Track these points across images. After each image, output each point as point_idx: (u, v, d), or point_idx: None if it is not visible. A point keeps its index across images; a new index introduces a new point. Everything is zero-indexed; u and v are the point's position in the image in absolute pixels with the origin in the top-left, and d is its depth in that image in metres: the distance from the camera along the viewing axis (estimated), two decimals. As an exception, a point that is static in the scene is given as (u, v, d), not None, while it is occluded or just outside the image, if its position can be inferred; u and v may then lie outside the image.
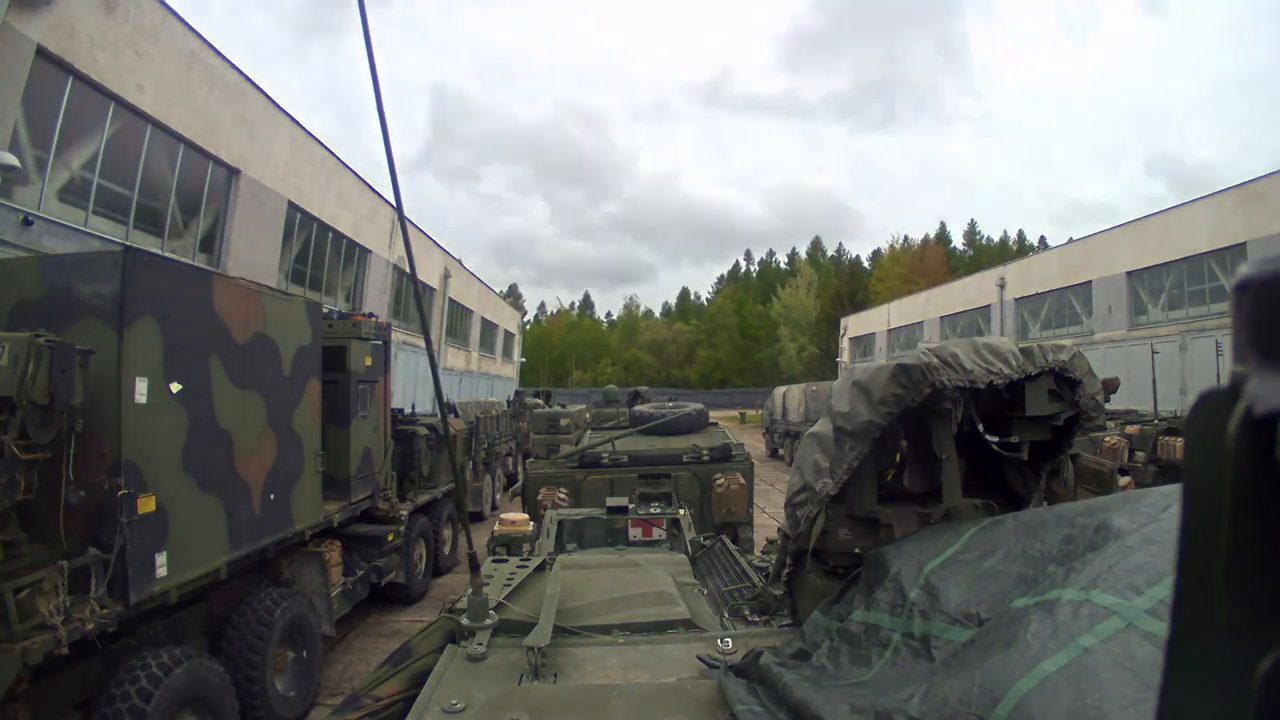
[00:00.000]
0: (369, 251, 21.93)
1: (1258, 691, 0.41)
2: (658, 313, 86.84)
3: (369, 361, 8.29)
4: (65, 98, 10.41)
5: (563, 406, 20.02)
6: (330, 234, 19.61)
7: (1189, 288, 22.22)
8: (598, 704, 2.10)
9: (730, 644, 2.49)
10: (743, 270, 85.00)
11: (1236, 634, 0.43)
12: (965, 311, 36.41)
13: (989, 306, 33.92)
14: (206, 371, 5.36)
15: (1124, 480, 8.42)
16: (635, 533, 5.31)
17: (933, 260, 66.08)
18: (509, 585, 3.00)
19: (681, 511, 5.69)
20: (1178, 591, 0.47)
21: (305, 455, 6.72)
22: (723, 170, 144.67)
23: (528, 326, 67.32)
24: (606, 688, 2.22)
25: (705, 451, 7.81)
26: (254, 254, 15.17)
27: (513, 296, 70.55)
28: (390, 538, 8.53)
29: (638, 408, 10.38)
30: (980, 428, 2.69)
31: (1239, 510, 0.43)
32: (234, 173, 14.72)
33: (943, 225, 76.60)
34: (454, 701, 2.05)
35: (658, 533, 5.28)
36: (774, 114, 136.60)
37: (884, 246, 76.19)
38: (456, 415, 13.10)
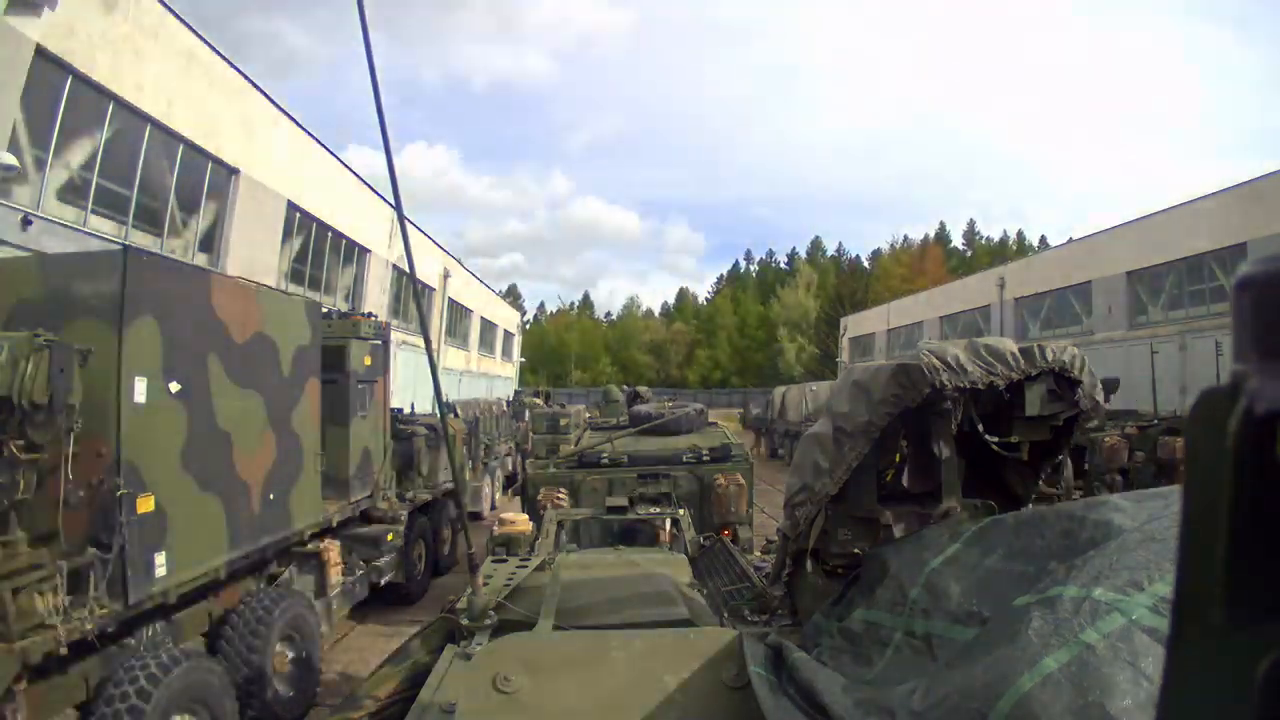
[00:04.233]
0: (368, 251, 21.92)
1: (1258, 691, 0.41)
2: (657, 312, 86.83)
3: (368, 361, 8.29)
4: (64, 97, 10.40)
5: (562, 406, 20.02)
6: (330, 233, 19.61)
7: (1189, 287, 22.22)
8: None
9: None
10: (742, 270, 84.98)
11: (1236, 633, 0.43)
12: (965, 311, 36.41)
13: (989, 306, 33.92)
14: (206, 371, 5.35)
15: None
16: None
17: (932, 260, 66.10)
18: (508, 585, 3.00)
19: (681, 511, 5.69)
20: (1178, 590, 0.47)
21: (304, 455, 6.71)
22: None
23: (527, 326, 67.33)
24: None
25: (705, 451, 7.80)
26: (253, 253, 15.16)
27: (512, 296, 70.55)
28: (389, 537, 8.52)
29: (637, 407, 10.39)
30: (980, 428, 2.69)
31: (1239, 508, 0.43)
32: (233, 172, 14.71)
33: (942, 225, 76.59)
34: (453, 701, 2.05)
35: (663, 534, 5.27)
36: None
37: (884, 246, 76.34)
38: (456, 415, 13.10)
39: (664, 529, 5.33)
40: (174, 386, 4.98)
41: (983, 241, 73.43)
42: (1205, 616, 0.44)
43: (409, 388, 15.13)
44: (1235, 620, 0.43)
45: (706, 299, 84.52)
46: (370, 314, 9.68)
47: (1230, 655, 0.43)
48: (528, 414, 19.55)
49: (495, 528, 4.46)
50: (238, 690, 5.32)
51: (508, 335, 45.64)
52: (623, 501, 5.69)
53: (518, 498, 8.64)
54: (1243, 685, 0.41)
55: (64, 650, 4.06)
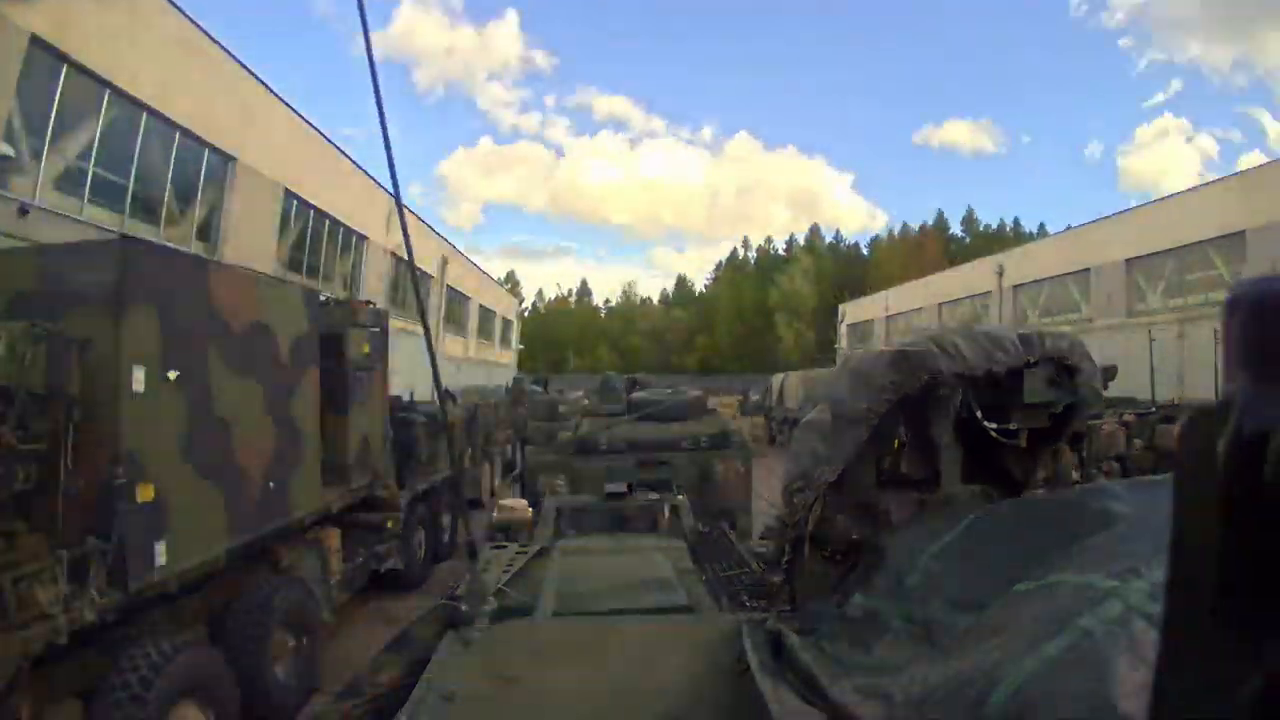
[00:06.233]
0: (366, 238, 21.85)
1: (1247, 706, 0.41)
2: (655, 299, 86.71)
3: (367, 349, 8.28)
4: (60, 86, 10.33)
5: (560, 393, 20.02)
6: (327, 221, 19.54)
7: (1188, 275, 22.21)
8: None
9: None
10: (740, 256, 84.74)
11: (1227, 649, 0.43)
12: (964, 299, 36.38)
13: (988, 293, 33.90)
14: (204, 360, 5.35)
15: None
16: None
17: (930, 247, 65.93)
18: (508, 571, 3.02)
19: (680, 498, 5.70)
20: (1169, 604, 0.47)
21: (304, 442, 6.71)
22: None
23: (525, 314, 67.28)
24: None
25: (704, 438, 7.82)
26: (251, 241, 15.12)
27: (510, 283, 70.42)
28: (389, 524, 8.54)
29: (635, 394, 10.39)
30: (978, 414, 2.69)
31: (1229, 526, 0.43)
32: (230, 160, 14.64)
33: (940, 213, 76.25)
34: (453, 688, 2.06)
35: (663, 521, 5.29)
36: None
37: (882, 233, 76.18)
38: (455, 402, 13.10)
39: (663, 515, 5.34)
40: (173, 375, 4.97)
41: (980, 229, 73.19)
42: (1196, 629, 0.44)
43: (408, 375, 15.13)
44: (1226, 633, 0.43)
45: (705, 286, 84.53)
46: (369, 301, 9.67)
47: (1221, 671, 0.43)
48: (526, 401, 19.53)
49: (494, 514, 4.48)
50: (238, 678, 5.34)
51: (506, 322, 45.62)
52: (622, 488, 5.70)
53: (516, 484, 8.67)
54: (1233, 699, 0.42)
55: (65, 640, 4.08)
